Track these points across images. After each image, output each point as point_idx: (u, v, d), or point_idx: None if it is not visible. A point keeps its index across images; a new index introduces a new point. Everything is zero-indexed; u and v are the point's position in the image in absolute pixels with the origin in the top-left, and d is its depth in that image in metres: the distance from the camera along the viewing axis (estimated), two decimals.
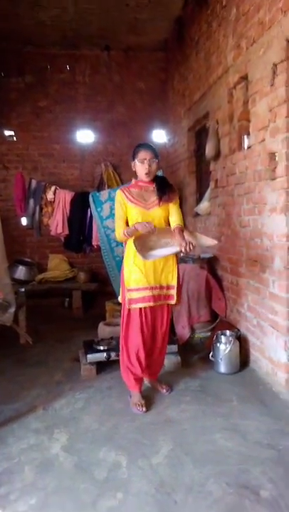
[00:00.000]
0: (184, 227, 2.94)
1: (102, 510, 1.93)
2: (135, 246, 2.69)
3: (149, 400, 2.99)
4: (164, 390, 3.12)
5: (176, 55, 6.09)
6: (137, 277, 2.84)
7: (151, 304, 2.86)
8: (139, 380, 2.99)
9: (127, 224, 2.89)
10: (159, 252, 2.79)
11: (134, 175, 3.02)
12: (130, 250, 2.87)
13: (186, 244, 2.71)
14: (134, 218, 2.85)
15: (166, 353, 3.22)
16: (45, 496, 2.04)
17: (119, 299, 3.07)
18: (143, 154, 2.85)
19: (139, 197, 2.89)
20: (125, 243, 2.97)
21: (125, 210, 2.87)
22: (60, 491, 2.07)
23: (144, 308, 2.87)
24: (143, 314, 2.88)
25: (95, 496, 2.03)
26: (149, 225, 2.72)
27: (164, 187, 2.91)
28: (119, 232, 2.88)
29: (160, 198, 2.88)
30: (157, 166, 2.90)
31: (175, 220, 2.92)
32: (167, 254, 2.82)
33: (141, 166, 2.86)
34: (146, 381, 3.15)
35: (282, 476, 2.12)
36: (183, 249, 2.71)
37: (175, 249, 2.80)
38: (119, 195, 2.90)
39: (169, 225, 2.95)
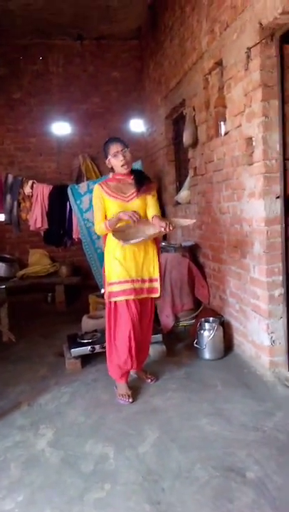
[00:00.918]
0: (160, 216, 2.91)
1: (90, 503, 1.92)
2: (115, 237, 2.66)
3: (134, 389, 2.98)
4: (149, 380, 3.11)
5: (150, 43, 6.02)
6: (118, 271, 2.81)
7: (132, 296, 2.82)
8: (126, 373, 2.98)
9: (106, 218, 2.87)
10: (140, 237, 2.76)
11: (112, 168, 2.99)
12: (110, 244, 2.85)
13: (166, 224, 2.68)
14: (114, 212, 2.82)
15: (150, 342, 3.21)
16: (32, 493, 2.02)
17: (103, 291, 3.05)
18: (114, 148, 2.83)
19: (118, 190, 2.87)
20: (104, 237, 2.94)
21: (104, 205, 2.85)
22: (46, 487, 2.05)
23: (133, 300, 2.83)
24: (132, 306, 2.84)
25: (82, 489, 2.01)
26: (134, 215, 2.71)
27: (142, 179, 2.91)
28: (100, 226, 2.85)
29: (138, 190, 2.86)
30: (131, 155, 2.88)
31: (152, 211, 2.90)
32: (148, 238, 2.77)
33: (116, 160, 2.84)
34: (131, 372, 3.13)
35: (267, 456, 2.14)
36: (163, 230, 2.69)
37: (154, 231, 2.76)
38: (97, 189, 2.87)
39: (147, 218, 2.93)
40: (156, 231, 2.76)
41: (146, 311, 2.99)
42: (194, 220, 3.09)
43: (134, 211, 2.75)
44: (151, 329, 3.12)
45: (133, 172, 2.94)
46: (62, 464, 2.22)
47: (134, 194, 2.87)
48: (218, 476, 2.02)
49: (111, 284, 2.83)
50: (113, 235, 2.69)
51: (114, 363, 2.93)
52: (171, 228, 2.70)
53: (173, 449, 2.27)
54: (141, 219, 2.88)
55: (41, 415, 2.75)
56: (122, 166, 2.84)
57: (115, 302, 2.85)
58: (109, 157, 2.86)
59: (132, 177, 2.91)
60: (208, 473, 2.05)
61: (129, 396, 2.85)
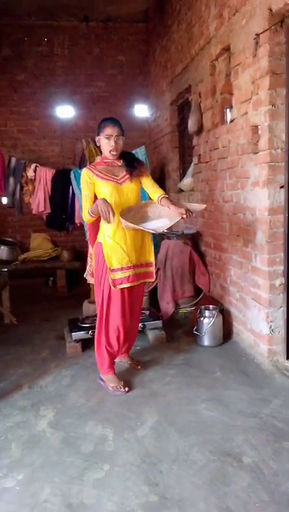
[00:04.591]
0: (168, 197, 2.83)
1: (89, 482, 1.96)
2: (130, 226, 2.61)
3: (134, 374, 3.03)
4: (139, 367, 3.12)
5: (157, 26, 5.93)
6: (119, 256, 2.74)
7: (135, 283, 2.82)
8: (113, 362, 2.92)
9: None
10: (156, 224, 2.72)
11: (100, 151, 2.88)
12: (109, 230, 2.75)
13: (186, 211, 2.64)
14: (109, 194, 2.70)
15: (139, 329, 3.25)
16: (33, 471, 2.06)
17: (88, 278, 3.05)
18: (109, 130, 2.69)
19: (108, 172, 2.74)
20: (91, 223, 2.87)
21: (93, 190, 2.73)
22: (47, 466, 2.09)
23: (129, 288, 2.80)
24: (125, 293, 2.80)
25: (82, 469, 2.06)
26: (107, 210, 2.57)
27: (132, 161, 2.81)
28: (86, 212, 2.71)
29: (131, 174, 2.76)
30: (123, 143, 2.76)
31: (155, 190, 2.82)
32: (170, 224, 2.72)
33: (106, 143, 2.71)
34: (122, 361, 3.14)
35: (264, 442, 2.18)
36: (184, 217, 2.65)
37: (176, 218, 2.70)
38: (85, 174, 2.72)
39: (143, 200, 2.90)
40: (177, 218, 2.68)
41: (138, 296, 2.97)
42: (205, 205, 3.06)
43: (110, 207, 2.59)
44: (140, 315, 3.14)
45: (122, 155, 2.82)
46: (62, 445, 2.26)
47: (127, 177, 2.77)
48: (215, 460, 2.06)
49: (113, 270, 2.75)
50: (127, 223, 2.61)
51: (102, 348, 2.86)
52: (190, 215, 2.66)
53: (171, 432, 2.31)
54: (140, 203, 2.87)
55: (42, 397, 2.79)
56: (110, 151, 2.72)
57: (109, 289, 2.78)
58: (101, 136, 2.73)
59: (120, 160, 2.81)
60: (205, 457, 2.09)
61: (123, 386, 2.80)
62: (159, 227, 2.69)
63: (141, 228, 2.66)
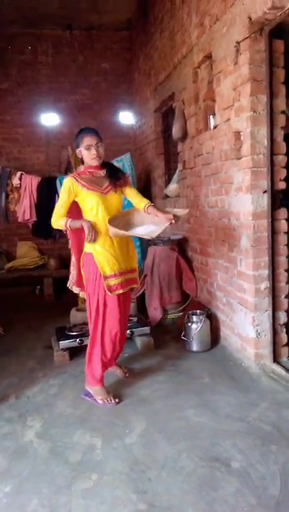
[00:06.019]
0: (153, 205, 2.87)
1: (78, 492, 1.95)
2: (120, 233, 2.64)
3: (122, 381, 3.01)
4: (127, 375, 3.11)
5: (140, 34, 5.98)
6: (111, 263, 2.75)
7: (126, 288, 2.83)
8: (104, 372, 2.88)
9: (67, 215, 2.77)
10: (144, 230, 2.75)
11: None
12: (100, 238, 2.74)
13: (172, 217, 2.69)
14: (95, 204, 2.70)
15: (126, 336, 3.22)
16: (20, 483, 2.03)
17: (73, 288, 3.03)
18: (88, 140, 2.71)
19: (93, 183, 2.75)
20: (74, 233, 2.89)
21: (72, 198, 2.71)
22: (34, 477, 2.07)
23: (121, 294, 2.80)
24: (121, 300, 2.80)
25: (70, 478, 2.04)
26: (91, 232, 2.64)
27: (115, 172, 2.84)
28: (59, 221, 2.70)
29: (115, 185, 2.79)
30: (104, 149, 2.78)
31: (141, 200, 2.85)
32: (162, 229, 2.73)
33: (88, 153, 2.73)
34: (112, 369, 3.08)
35: (251, 446, 2.19)
36: (173, 222, 2.69)
37: (164, 225, 2.72)
38: (69, 181, 2.70)
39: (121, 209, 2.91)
40: (166, 224, 2.70)
41: (127, 302, 2.97)
42: (188, 209, 3.10)
43: (94, 227, 2.66)
44: (128, 322, 3.15)
45: (105, 165, 2.84)
46: (50, 455, 2.24)
47: (110, 188, 2.79)
48: (203, 465, 2.06)
49: (107, 277, 2.74)
50: (118, 232, 2.65)
51: (99, 361, 2.80)
52: (177, 221, 2.72)
53: (160, 439, 2.31)
54: (122, 211, 2.89)
55: (29, 407, 2.76)
56: (92, 159, 2.74)
57: (104, 297, 2.77)
58: (81, 148, 2.74)
59: (103, 170, 2.82)
60: (193, 463, 2.09)
61: (113, 397, 2.77)
62: (152, 232, 2.70)
63: (132, 234, 2.68)
